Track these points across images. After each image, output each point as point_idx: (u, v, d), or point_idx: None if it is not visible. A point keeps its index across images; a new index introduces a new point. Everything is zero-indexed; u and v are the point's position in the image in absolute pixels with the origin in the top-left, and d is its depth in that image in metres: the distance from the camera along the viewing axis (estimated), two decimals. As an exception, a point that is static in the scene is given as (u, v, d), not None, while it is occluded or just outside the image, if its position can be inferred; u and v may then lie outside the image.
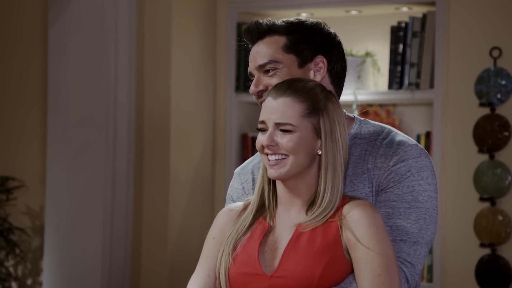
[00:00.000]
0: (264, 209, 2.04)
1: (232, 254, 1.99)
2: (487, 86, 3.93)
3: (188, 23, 4.38)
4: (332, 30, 2.14)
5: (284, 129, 1.96)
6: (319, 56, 2.09)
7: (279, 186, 2.01)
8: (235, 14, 4.44)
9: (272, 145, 1.97)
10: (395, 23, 4.17)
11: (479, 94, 3.95)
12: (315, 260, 1.93)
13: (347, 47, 4.30)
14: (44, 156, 4.47)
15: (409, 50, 4.10)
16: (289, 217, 2.00)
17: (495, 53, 3.93)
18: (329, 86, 2.11)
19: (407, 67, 4.10)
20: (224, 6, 4.46)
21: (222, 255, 2.01)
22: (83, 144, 4.30)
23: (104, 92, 4.27)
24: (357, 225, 1.93)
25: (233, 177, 2.22)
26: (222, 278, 2.01)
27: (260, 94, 2.09)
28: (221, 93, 4.48)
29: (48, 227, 4.38)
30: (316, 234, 1.96)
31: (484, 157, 3.95)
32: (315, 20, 2.14)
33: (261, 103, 2.07)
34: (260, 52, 2.09)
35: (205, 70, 4.47)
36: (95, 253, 4.25)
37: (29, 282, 4.55)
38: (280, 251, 1.97)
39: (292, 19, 2.13)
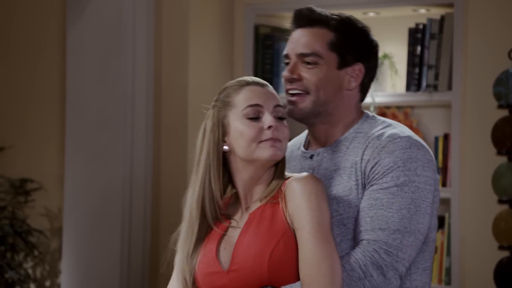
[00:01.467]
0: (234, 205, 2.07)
1: (191, 258, 2.05)
2: (506, 88, 3.91)
3: (205, 25, 4.39)
4: (375, 39, 2.14)
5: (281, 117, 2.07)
6: (359, 63, 2.10)
7: (246, 178, 2.02)
8: (252, 16, 4.44)
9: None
10: (413, 25, 4.16)
11: (497, 95, 3.93)
12: (263, 246, 1.94)
13: (364, 49, 4.29)
14: (63, 158, 4.48)
15: (427, 52, 4.09)
16: (246, 208, 2.04)
17: (514, 54, 3.92)
18: (357, 94, 2.12)
19: (425, 69, 4.09)
20: (242, 8, 4.46)
21: (180, 262, 2.09)
22: (101, 146, 4.31)
23: (122, 94, 4.28)
24: (292, 197, 1.96)
25: None
26: (189, 283, 2.07)
27: (291, 81, 2.09)
28: (239, 95, 4.49)
29: (66, 229, 4.39)
30: (263, 221, 1.98)
31: (503, 159, 3.93)
32: (365, 24, 2.14)
33: (287, 91, 2.10)
34: (305, 40, 2.09)
35: (223, 72, 4.47)
36: (113, 255, 4.26)
37: (47, 283, 4.57)
38: (234, 242, 2.00)
39: (345, 15, 2.13)
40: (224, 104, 2.06)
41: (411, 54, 4.14)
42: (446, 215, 4.07)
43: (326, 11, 2.12)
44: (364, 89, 2.14)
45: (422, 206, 1.99)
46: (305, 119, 2.14)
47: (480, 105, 3.98)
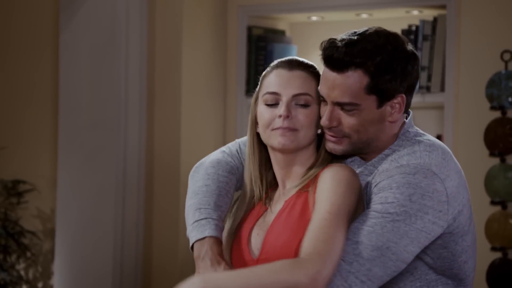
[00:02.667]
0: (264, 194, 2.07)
1: (230, 245, 2.03)
2: (498, 90, 3.92)
3: (198, 26, 4.39)
4: (410, 48, 2.01)
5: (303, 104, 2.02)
6: (399, 95, 1.99)
7: (276, 162, 2.02)
8: (245, 18, 4.44)
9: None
10: (405, 27, 4.17)
11: (490, 97, 3.94)
12: (290, 237, 1.93)
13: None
14: (55, 159, 4.48)
15: (420, 54, 4.09)
16: (283, 195, 2.03)
17: (506, 56, 3.92)
18: (401, 119, 2.03)
19: (418, 70, 4.09)
20: (235, 9, 4.47)
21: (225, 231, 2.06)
22: (94, 147, 4.31)
23: (115, 95, 4.28)
24: (323, 181, 1.95)
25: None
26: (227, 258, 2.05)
27: (330, 128, 2.00)
28: (232, 96, 4.49)
29: (59, 230, 4.39)
30: (294, 210, 1.97)
31: (495, 160, 3.94)
32: (408, 49, 1.99)
33: (326, 133, 2.00)
34: (340, 89, 1.96)
35: (216, 74, 4.47)
36: (106, 256, 4.25)
37: (40, 285, 4.56)
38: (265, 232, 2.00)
39: (380, 49, 1.96)
40: (259, 85, 2.08)
41: (404, 55, 4.14)
42: (439, 217, 4.08)
43: (357, 45, 1.95)
44: (407, 107, 2.05)
45: (404, 229, 1.89)
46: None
47: (473, 106, 3.99)
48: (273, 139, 1.99)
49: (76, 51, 4.37)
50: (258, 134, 2.05)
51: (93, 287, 4.30)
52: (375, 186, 1.96)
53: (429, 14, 4.17)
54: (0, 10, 4.70)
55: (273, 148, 2.01)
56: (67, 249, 4.36)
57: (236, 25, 4.46)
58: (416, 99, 4.11)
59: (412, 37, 4.12)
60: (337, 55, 1.97)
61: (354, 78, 1.96)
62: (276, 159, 2.03)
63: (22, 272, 4.54)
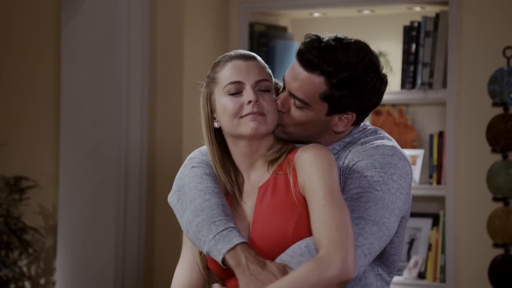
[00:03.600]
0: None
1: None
2: (500, 86, 3.92)
3: (200, 22, 4.39)
4: (383, 74, 2.05)
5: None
6: (350, 112, 2.06)
7: (240, 153, 2.03)
8: (247, 14, 4.44)
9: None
10: (407, 23, 4.16)
11: (492, 94, 3.94)
12: (283, 222, 1.95)
13: (359, 46, 4.29)
14: (57, 156, 4.48)
15: (422, 50, 4.09)
16: (250, 183, 2.04)
17: (509, 52, 3.92)
18: (347, 130, 2.09)
19: (419, 66, 4.09)
20: (236, 6, 4.46)
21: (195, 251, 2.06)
22: (96, 144, 4.31)
23: (117, 92, 4.28)
24: (303, 166, 1.97)
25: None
26: (200, 266, 2.06)
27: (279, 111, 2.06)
28: (234, 93, 4.49)
29: (61, 226, 4.39)
30: (277, 194, 1.98)
31: (497, 157, 3.94)
32: (380, 74, 2.03)
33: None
34: (299, 83, 2.03)
35: (218, 70, 4.47)
36: (108, 253, 4.26)
37: (42, 281, 4.57)
38: (249, 219, 2.00)
39: (351, 66, 1.99)
40: (211, 81, 2.09)
41: (406, 52, 4.14)
42: (441, 213, 4.08)
43: (334, 49, 1.99)
44: (357, 123, 2.11)
45: (390, 206, 1.98)
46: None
47: (475, 103, 3.98)
48: (243, 127, 2.00)
49: (78, 48, 4.36)
50: (214, 130, 2.07)
51: (95, 283, 4.30)
52: (354, 164, 2.03)
53: (431, 10, 4.16)
54: (2, 7, 4.70)
55: (242, 136, 2.02)
56: (69, 246, 4.36)
57: (238, 22, 4.46)
58: (418, 95, 4.11)
59: (414, 33, 4.12)
60: (308, 56, 2.03)
61: (315, 82, 2.02)
62: (240, 150, 2.04)
63: (25, 269, 4.55)
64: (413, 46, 4.12)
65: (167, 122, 4.35)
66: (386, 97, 4.26)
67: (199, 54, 4.39)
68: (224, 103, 2.03)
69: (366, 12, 4.32)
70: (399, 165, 2.02)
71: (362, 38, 4.61)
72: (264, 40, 4.44)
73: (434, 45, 4.07)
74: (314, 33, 2.08)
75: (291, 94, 2.05)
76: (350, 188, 2.00)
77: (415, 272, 4.12)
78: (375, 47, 4.35)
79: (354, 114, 2.06)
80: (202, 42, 4.40)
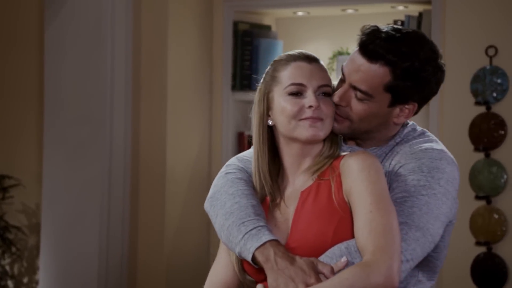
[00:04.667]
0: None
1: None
2: (483, 85, 3.94)
3: (184, 21, 4.39)
4: (442, 63, 2.04)
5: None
6: (412, 103, 2.03)
7: (292, 154, 2.01)
8: (231, 13, 4.44)
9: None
10: (391, 22, 4.17)
11: (475, 92, 3.96)
12: (324, 225, 1.93)
13: (343, 45, 4.30)
14: (41, 154, 4.47)
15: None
16: (294, 187, 2.02)
17: (491, 51, 3.94)
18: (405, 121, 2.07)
19: (403, 65, 4.10)
20: (221, 5, 4.46)
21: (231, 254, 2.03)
22: (80, 142, 4.30)
23: (101, 91, 4.27)
24: (350, 173, 1.94)
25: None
26: (236, 268, 2.03)
27: (337, 106, 2.02)
28: (218, 91, 4.49)
29: (44, 225, 4.38)
30: (320, 199, 1.96)
31: (480, 155, 3.96)
32: (439, 63, 2.02)
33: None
34: (362, 75, 2.00)
35: (202, 69, 4.47)
36: (91, 251, 4.25)
37: (25, 280, 4.55)
38: (289, 222, 1.98)
39: (414, 55, 1.98)
40: (271, 79, 2.04)
41: (389, 51, 4.15)
42: (424, 211, 4.09)
43: (396, 39, 1.97)
44: (415, 114, 2.09)
45: (435, 211, 1.94)
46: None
47: (458, 101, 4.00)
48: (300, 130, 1.98)
49: (61, 46, 4.35)
50: (267, 128, 2.04)
51: (78, 282, 4.29)
52: (401, 167, 1.99)
53: (414, 9, 4.18)
54: (-15, 4, 4.69)
55: (298, 140, 2.00)
56: (53, 244, 4.35)
57: (222, 20, 4.46)
58: (401, 94, 4.12)
59: (397, 32, 4.13)
60: (373, 47, 2.00)
61: (379, 72, 1.99)
62: (291, 151, 2.02)
63: (7, 267, 4.53)
64: (397, 45, 4.13)
65: (151, 120, 4.35)
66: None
67: (183, 52, 4.39)
68: (283, 103, 1.99)
69: (350, 11, 4.34)
70: (447, 169, 1.99)
71: (346, 37, 4.62)
72: (248, 38, 4.45)
73: (417, 44, 4.08)
74: (372, 24, 2.05)
75: (353, 87, 2.01)
76: (396, 192, 1.97)
77: (398, 270, 4.13)
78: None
79: (416, 105, 2.03)
80: (186, 40, 4.40)
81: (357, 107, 2.01)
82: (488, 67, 3.93)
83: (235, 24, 4.45)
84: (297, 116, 1.98)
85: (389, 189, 1.98)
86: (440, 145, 2.06)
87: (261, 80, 2.07)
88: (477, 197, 3.94)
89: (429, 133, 2.10)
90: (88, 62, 4.30)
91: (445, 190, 1.97)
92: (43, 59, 4.43)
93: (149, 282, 4.35)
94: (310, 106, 1.97)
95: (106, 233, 4.26)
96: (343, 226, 1.92)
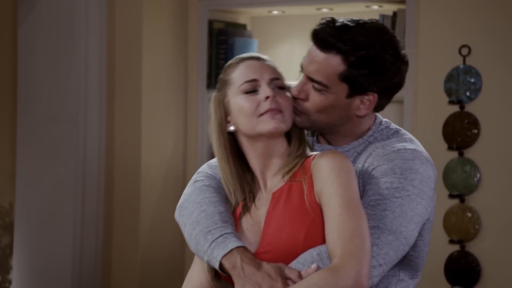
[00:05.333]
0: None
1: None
2: (457, 84, 3.96)
3: (159, 20, 4.37)
4: (404, 53, 2.01)
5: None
6: (371, 93, 2.00)
7: (256, 155, 2.00)
8: (206, 12, 4.43)
9: None
10: (365, 21, 4.19)
11: (448, 92, 3.98)
12: (295, 227, 1.92)
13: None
14: (14, 153, 4.44)
15: (379, 48, 4.11)
16: (266, 189, 2.01)
17: (464, 51, 3.96)
18: (370, 115, 2.05)
19: (377, 65, 4.12)
20: (195, 3, 4.46)
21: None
22: (53, 141, 4.28)
23: (75, 89, 4.25)
24: (320, 173, 1.93)
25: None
26: (208, 276, 2.02)
27: (296, 99, 2.01)
28: (193, 90, 4.48)
29: (17, 224, 4.35)
30: (291, 200, 1.95)
31: (454, 154, 3.98)
32: (399, 54, 1.99)
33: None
34: (316, 66, 1.98)
35: (177, 67, 4.46)
36: (65, 251, 4.23)
37: (-2, 280, 4.52)
38: (261, 225, 1.97)
39: (369, 44, 1.95)
40: (223, 84, 2.04)
41: (364, 50, 4.16)
42: (398, 210, 4.11)
43: (350, 28, 1.95)
44: (379, 108, 2.06)
45: (409, 213, 1.92)
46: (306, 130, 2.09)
47: (432, 101, 4.02)
48: (263, 125, 1.96)
49: (35, 44, 4.33)
50: (227, 134, 2.02)
51: (52, 281, 4.27)
52: (373, 169, 1.97)
53: (388, 8, 4.20)
54: (-43, 2, 4.65)
55: (261, 136, 1.98)
56: (26, 244, 4.32)
57: (197, 19, 4.46)
58: (375, 93, 4.14)
59: (372, 31, 4.15)
60: (323, 35, 1.98)
61: (332, 62, 1.97)
62: (256, 152, 2.00)
63: (-20, 267, 4.50)
64: (371, 44, 4.14)
65: (125, 118, 4.33)
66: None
67: (158, 51, 4.37)
68: (240, 102, 1.98)
69: (325, 10, 4.35)
70: (421, 169, 1.96)
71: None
72: (223, 37, 4.44)
73: (392, 43, 4.10)
74: (330, 16, 2.04)
75: (309, 78, 2.00)
76: (369, 195, 1.94)
77: (372, 269, 4.15)
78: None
79: (376, 95, 2.00)
80: (161, 38, 4.39)
81: (315, 98, 2.00)
82: (461, 66, 3.96)
83: (210, 22, 4.45)
84: (256, 112, 1.97)
85: (362, 192, 1.97)
86: (414, 144, 2.03)
87: (215, 91, 2.06)
88: (451, 196, 3.96)
89: (403, 131, 2.08)
90: (62, 59, 4.28)
91: (419, 191, 1.95)
92: (16, 57, 4.40)
93: (123, 282, 4.34)
94: (267, 97, 1.96)
95: (80, 232, 4.24)
96: (314, 229, 1.91)
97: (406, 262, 2.03)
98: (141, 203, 4.29)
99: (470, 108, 3.97)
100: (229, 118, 2.02)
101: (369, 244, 1.85)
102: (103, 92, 4.33)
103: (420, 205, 1.95)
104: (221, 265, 1.91)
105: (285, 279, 1.86)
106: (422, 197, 1.95)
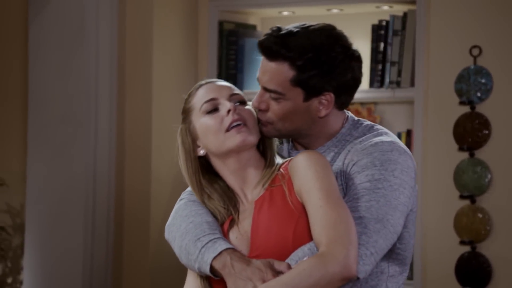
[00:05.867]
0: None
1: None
2: (467, 85, 3.96)
3: (169, 21, 4.38)
4: (354, 50, 2.04)
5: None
6: (327, 93, 2.03)
7: (231, 172, 2.03)
8: (216, 12, 4.43)
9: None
10: (376, 22, 4.19)
11: (459, 92, 3.97)
12: (283, 228, 1.95)
13: (328, 45, 4.31)
14: (25, 154, 4.45)
15: (390, 49, 4.11)
16: (247, 201, 2.04)
17: (475, 51, 3.96)
18: (335, 114, 2.08)
19: (388, 65, 4.12)
20: (206, 4, 4.46)
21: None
22: (64, 141, 4.28)
23: (85, 90, 4.26)
24: (297, 172, 1.97)
25: None
26: (204, 284, 2.04)
27: (257, 111, 2.06)
28: (203, 91, 4.48)
29: (28, 225, 4.36)
30: (274, 204, 1.98)
31: (464, 155, 3.97)
32: (349, 50, 2.02)
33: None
34: (268, 76, 2.03)
35: (187, 69, 4.46)
36: (76, 251, 4.24)
37: (9, 280, 4.53)
38: (248, 234, 2.00)
39: (315, 47, 1.99)
40: (186, 112, 2.09)
41: (374, 50, 4.16)
42: (409, 211, 4.10)
43: (288, 39, 1.99)
44: (342, 106, 2.09)
45: (393, 202, 1.96)
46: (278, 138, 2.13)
47: (442, 101, 4.02)
48: (230, 140, 2.00)
49: (45, 45, 4.33)
50: (198, 161, 2.06)
51: (63, 282, 4.28)
52: (354, 164, 2.01)
53: (399, 9, 4.19)
54: (-32, 3, 4.66)
55: (231, 151, 2.01)
56: (37, 244, 4.33)
57: (207, 20, 4.46)
58: (386, 94, 4.14)
59: (382, 32, 4.14)
60: (267, 44, 2.03)
61: (281, 69, 2.01)
62: (230, 169, 2.03)
63: (-9, 268, 4.51)
64: (381, 45, 4.14)
65: (136, 119, 4.34)
66: (355, 95, 4.30)
67: (168, 52, 4.38)
68: (204, 123, 2.03)
69: (335, 10, 4.34)
70: (400, 160, 2.00)
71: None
72: (234, 38, 4.44)
73: (402, 44, 4.10)
74: (277, 25, 2.08)
75: (265, 89, 2.04)
76: (352, 189, 1.98)
77: (383, 270, 4.14)
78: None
79: (332, 94, 2.03)
80: (171, 39, 4.39)
81: (274, 107, 2.03)
82: (472, 67, 3.95)
83: (220, 23, 4.45)
84: (221, 127, 2.00)
85: (346, 188, 2.00)
86: (390, 137, 2.07)
87: (180, 125, 2.11)
88: (462, 197, 3.95)
89: (378, 126, 2.11)
90: (72, 60, 4.29)
91: (400, 181, 1.98)
92: (27, 57, 4.41)
93: (134, 282, 4.34)
94: (229, 111, 2.00)
95: (90, 233, 4.25)
96: (301, 227, 1.94)
97: (394, 257, 2.05)
98: (152, 203, 4.30)
99: (481, 108, 3.96)
100: (198, 143, 2.06)
101: (353, 230, 1.89)
102: (114, 92, 4.33)
103: (402, 195, 1.98)
104: (211, 268, 1.95)
105: (276, 272, 1.90)
106: (404, 186, 1.99)
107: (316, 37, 2.01)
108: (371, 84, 4.17)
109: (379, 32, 4.15)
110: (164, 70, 4.36)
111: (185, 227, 2.02)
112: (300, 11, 4.41)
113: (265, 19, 4.62)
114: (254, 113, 2.06)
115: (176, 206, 2.12)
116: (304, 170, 1.95)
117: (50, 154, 4.31)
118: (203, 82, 2.10)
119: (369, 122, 2.13)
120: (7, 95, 4.58)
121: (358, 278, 1.92)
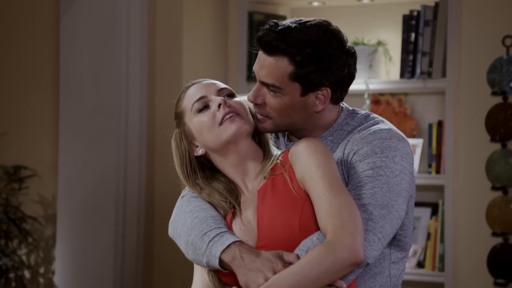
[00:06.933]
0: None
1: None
2: (500, 75, 3.92)
3: (199, 12, 4.38)
4: (349, 46, 2.07)
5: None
6: (324, 88, 2.06)
7: (231, 165, 2.05)
8: (246, 3, 4.43)
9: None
10: (407, 12, 4.16)
11: (491, 83, 3.94)
12: (288, 216, 1.96)
13: (358, 36, 4.29)
14: (56, 145, 4.48)
15: (421, 39, 4.09)
16: (249, 192, 2.05)
17: (508, 41, 3.92)
18: (330, 108, 2.10)
19: (419, 56, 4.09)
20: (236, -5, 4.46)
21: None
22: (95, 132, 4.31)
23: (116, 80, 4.27)
24: (298, 159, 1.99)
25: None
26: (212, 286, 2.05)
27: (254, 105, 2.09)
28: (233, 82, 4.48)
29: (60, 215, 4.39)
30: (277, 193, 2.00)
31: (497, 146, 3.94)
32: (345, 47, 2.05)
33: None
34: (266, 70, 2.06)
35: (217, 60, 4.47)
36: (107, 242, 4.26)
37: (41, 270, 4.57)
38: (253, 223, 2.01)
39: (312, 42, 2.02)
40: (179, 116, 2.13)
41: (405, 41, 4.13)
42: (440, 202, 4.08)
43: (286, 33, 2.02)
44: (337, 100, 2.11)
45: (396, 188, 1.99)
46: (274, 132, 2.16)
47: (474, 92, 3.98)
48: (226, 131, 2.03)
49: (77, 36, 4.36)
50: (195, 160, 2.09)
51: (94, 272, 4.31)
52: (354, 153, 2.05)
53: (430, -1, 4.16)
54: (0, -5, 4.70)
55: (229, 143, 2.03)
56: (69, 235, 4.37)
57: (237, 11, 4.45)
58: (417, 84, 4.11)
59: (413, 22, 4.11)
60: (266, 39, 2.06)
61: (280, 64, 2.04)
62: (230, 162, 2.06)
63: (24, 258, 4.55)
64: (413, 35, 4.11)
65: (166, 111, 4.35)
66: (385, 86, 4.29)
67: (198, 43, 4.38)
68: (198, 121, 2.06)
69: (366, 1, 4.32)
70: (399, 146, 2.04)
71: (361, 27, 4.59)
72: (263, 29, 4.43)
73: (434, 34, 4.06)
74: (273, 20, 2.10)
75: (263, 83, 2.07)
76: (354, 177, 2.01)
77: (414, 261, 4.13)
78: (374, 36, 4.34)
79: (329, 89, 2.06)
80: (201, 31, 4.39)
81: (271, 102, 2.06)
82: (504, 57, 3.91)
83: (250, 14, 4.44)
84: (214, 122, 2.03)
85: (347, 177, 2.03)
86: (387, 125, 2.10)
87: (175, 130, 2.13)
88: (494, 188, 3.92)
89: (374, 114, 2.15)
90: (103, 52, 4.31)
91: (401, 167, 2.02)
92: (59, 49, 4.44)
93: (165, 273, 4.36)
94: (219, 105, 2.03)
95: (122, 223, 4.28)
96: (307, 213, 1.96)
97: (396, 243, 2.08)
98: (182, 191, 4.31)
99: (513, 99, 3.93)
100: (196, 143, 2.09)
101: (358, 215, 1.91)
102: (144, 84, 4.35)
103: (404, 180, 2.02)
104: (220, 261, 1.96)
105: (285, 263, 1.92)
106: (404, 172, 2.02)
107: (314, 33, 2.04)
108: (402, 75, 4.14)
109: (410, 23, 4.12)
110: (194, 62, 4.36)
111: (190, 223, 2.04)
112: (330, 1, 4.39)
113: (295, 10, 4.60)
114: (245, 104, 2.08)
115: (179, 202, 2.15)
116: (305, 158, 1.97)
117: (81, 145, 4.34)
118: (189, 84, 2.13)
119: (364, 111, 2.16)
120: (39, 87, 4.61)
121: (368, 264, 1.95)
